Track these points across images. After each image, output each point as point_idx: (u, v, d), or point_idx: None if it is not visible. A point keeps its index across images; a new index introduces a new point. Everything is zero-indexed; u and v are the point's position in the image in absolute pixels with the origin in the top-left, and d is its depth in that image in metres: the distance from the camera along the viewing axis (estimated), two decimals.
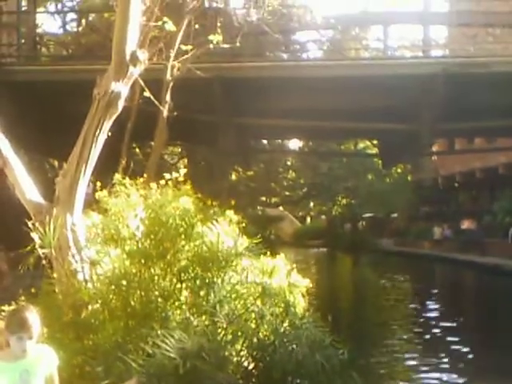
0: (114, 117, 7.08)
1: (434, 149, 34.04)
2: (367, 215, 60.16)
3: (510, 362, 12.16)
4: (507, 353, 12.97)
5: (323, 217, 69.71)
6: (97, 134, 6.95)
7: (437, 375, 11.68)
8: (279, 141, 45.03)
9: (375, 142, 33.79)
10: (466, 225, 43.08)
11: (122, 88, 6.99)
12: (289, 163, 55.95)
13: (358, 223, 61.48)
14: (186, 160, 37.50)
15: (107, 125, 7.05)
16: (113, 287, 6.42)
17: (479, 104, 18.96)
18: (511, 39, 21.91)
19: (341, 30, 30.59)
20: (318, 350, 5.89)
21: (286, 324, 6.30)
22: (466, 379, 11.48)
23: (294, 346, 5.91)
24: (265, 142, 41.78)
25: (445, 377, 11.63)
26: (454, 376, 11.75)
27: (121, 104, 7.07)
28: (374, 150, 40.63)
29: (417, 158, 29.11)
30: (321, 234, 61.24)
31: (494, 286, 27.09)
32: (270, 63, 20.29)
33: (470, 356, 13.25)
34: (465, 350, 13.79)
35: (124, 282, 6.40)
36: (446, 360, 12.95)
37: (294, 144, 52.82)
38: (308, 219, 75.37)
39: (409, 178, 55.24)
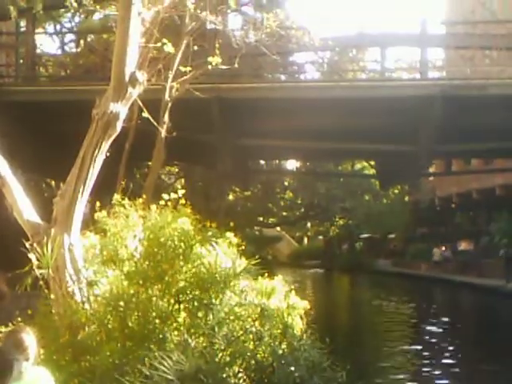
0: (112, 137, 7.08)
1: (431, 170, 34.09)
2: (364, 236, 60.14)
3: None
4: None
5: (320, 237, 69.66)
6: (95, 154, 6.95)
7: None
8: (277, 161, 45.07)
9: (372, 162, 33.83)
10: (463, 246, 43.10)
11: (120, 109, 7.00)
12: (286, 184, 55.94)
13: (356, 244, 61.48)
14: (183, 180, 37.49)
15: (106, 145, 7.06)
16: (110, 308, 6.39)
17: (476, 126, 18.99)
18: (508, 62, 22.00)
19: (338, 51, 30.73)
20: (316, 373, 5.86)
21: (284, 346, 6.28)
22: None
23: (293, 368, 5.88)
24: (262, 162, 41.81)
25: None
26: None
27: (119, 125, 7.08)
28: (372, 171, 40.68)
29: (414, 179, 29.12)
30: (318, 255, 61.31)
31: (494, 307, 27.00)
32: (268, 84, 20.28)
33: (467, 377, 13.22)
34: (462, 371, 13.75)
35: (122, 303, 6.37)
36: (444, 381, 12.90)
37: (292, 164, 52.93)
38: (305, 240, 75.28)
39: (406, 198, 55.31)
